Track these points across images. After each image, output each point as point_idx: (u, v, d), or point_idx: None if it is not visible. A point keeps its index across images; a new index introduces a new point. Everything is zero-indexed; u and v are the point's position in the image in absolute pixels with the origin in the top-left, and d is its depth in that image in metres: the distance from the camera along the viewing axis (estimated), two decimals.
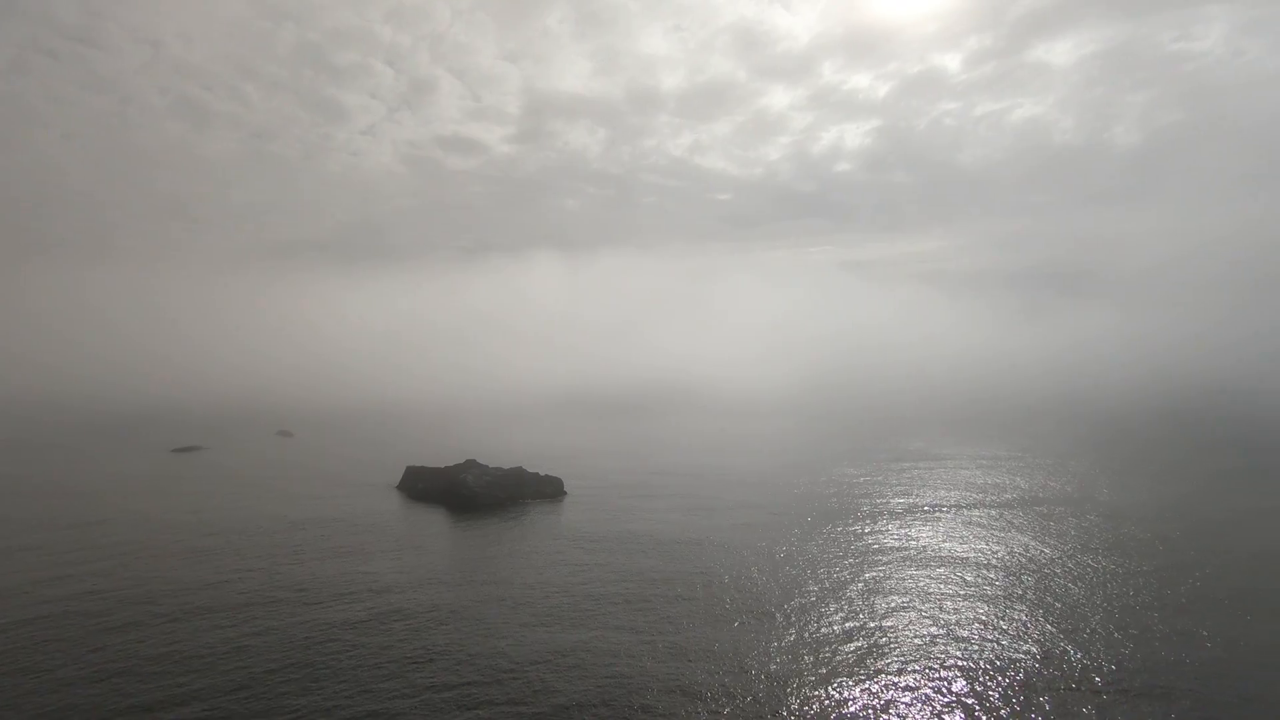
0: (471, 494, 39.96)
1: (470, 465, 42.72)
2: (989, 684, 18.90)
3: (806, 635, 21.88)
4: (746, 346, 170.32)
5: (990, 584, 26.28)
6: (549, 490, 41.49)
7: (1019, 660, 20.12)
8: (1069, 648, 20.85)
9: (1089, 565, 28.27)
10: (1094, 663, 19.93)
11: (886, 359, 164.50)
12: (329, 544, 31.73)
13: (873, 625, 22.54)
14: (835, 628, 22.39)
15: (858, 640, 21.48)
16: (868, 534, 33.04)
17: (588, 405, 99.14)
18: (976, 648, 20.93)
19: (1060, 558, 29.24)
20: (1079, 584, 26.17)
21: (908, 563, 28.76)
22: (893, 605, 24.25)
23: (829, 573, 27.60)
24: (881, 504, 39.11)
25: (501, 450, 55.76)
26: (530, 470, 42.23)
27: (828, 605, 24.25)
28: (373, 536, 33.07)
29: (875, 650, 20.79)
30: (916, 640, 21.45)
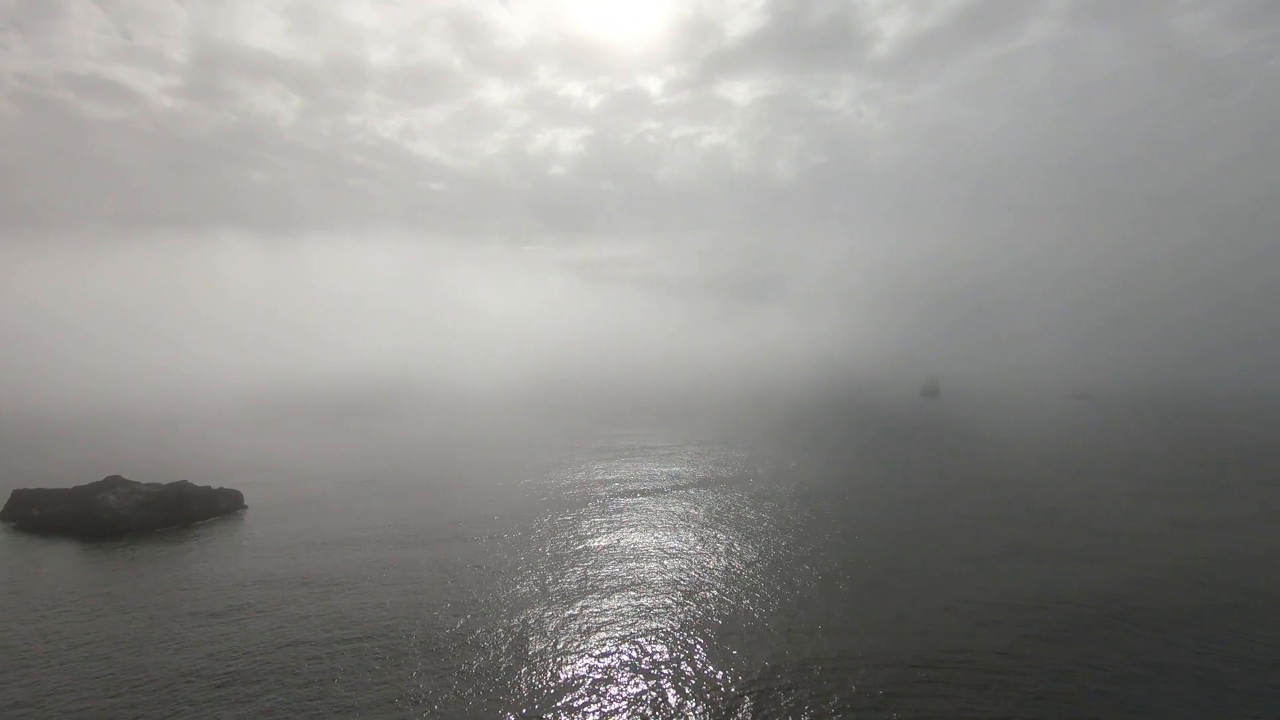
0: (114, 518, 31.94)
1: (114, 482, 34.26)
2: (700, 667, 20.03)
3: (521, 665, 21.15)
4: (470, 341, 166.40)
5: (698, 566, 28.31)
6: (225, 506, 34.93)
7: (723, 634, 21.79)
8: (771, 619, 23.18)
9: (783, 538, 32.13)
10: (791, 629, 22.37)
11: (604, 355, 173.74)
12: None
13: (585, 631, 22.62)
14: (550, 643, 22.00)
15: (572, 654, 21.33)
16: (585, 531, 33.62)
17: (290, 406, 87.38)
18: (684, 633, 22.15)
19: (763, 531, 32.85)
20: (775, 555, 29.55)
21: (623, 557, 29.76)
22: (606, 607, 24.65)
23: (543, 582, 27.26)
24: (598, 496, 40.37)
25: (166, 463, 46.11)
26: (199, 484, 35.17)
27: (543, 621, 23.82)
28: None
29: (588, 664, 20.83)
30: (625, 639, 22.00)
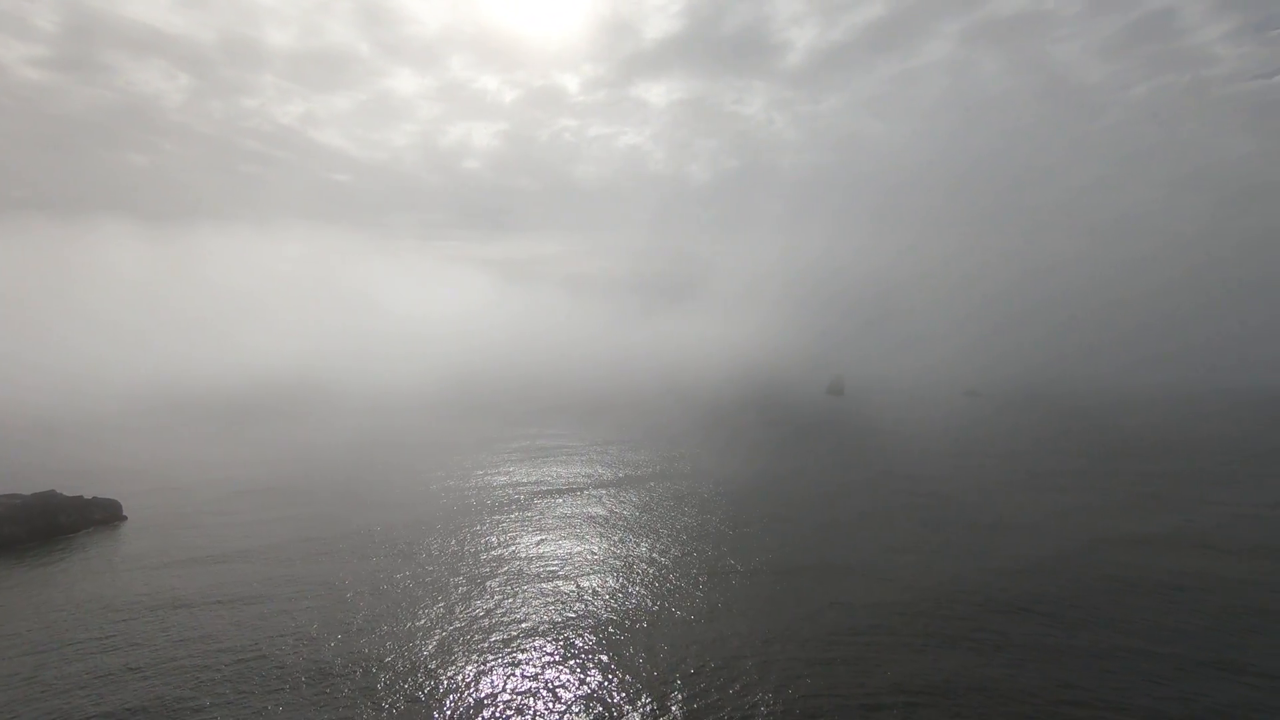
0: None
1: None
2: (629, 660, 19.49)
3: (441, 680, 20.04)
4: (384, 340, 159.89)
5: (622, 566, 27.78)
6: (99, 517, 31.58)
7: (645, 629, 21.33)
8: (696, 610, 22.89)
9: (702, 535, 32.02)
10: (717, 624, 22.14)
11: (526, 354, 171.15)
12: None
13: (509, 639, 21.69)
14: (471, 655, 20.96)
15: (495, 663, 20.38)
16: (505, 535, 32.43)
17: (182, 409, 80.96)
18: (609, 633, 21.54)
19: (683, 529, 32.58)
20: (695, 552, 29.35)
21: (545, 560, 28.73)
22: (528, 613, 23.70)
23: (462, 591, 26.03)
24: (520, 498, 39.29)
25: (35, 470, 41.58)
26: (70, 494, 31.70)
27: (462, 633, 22.70)
28: None
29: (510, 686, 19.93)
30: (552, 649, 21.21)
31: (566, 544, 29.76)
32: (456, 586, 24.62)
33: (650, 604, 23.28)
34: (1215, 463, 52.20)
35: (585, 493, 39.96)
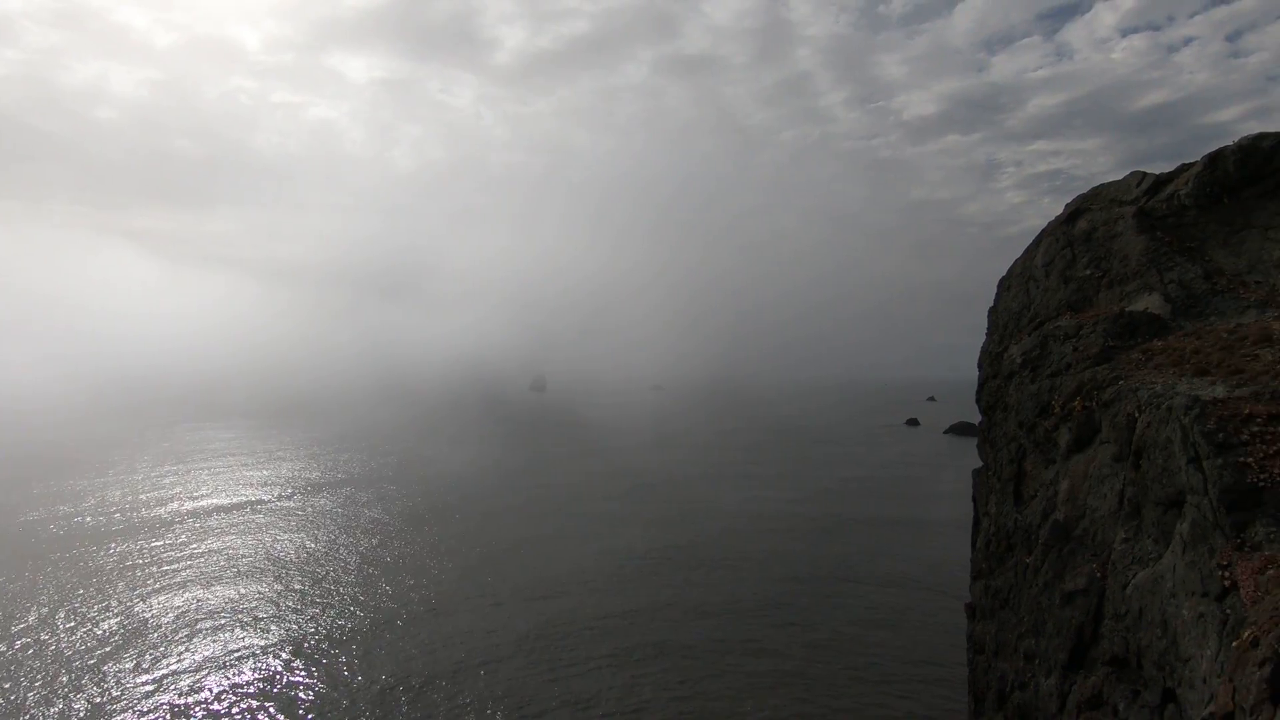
0: None
1: None
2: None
3: None
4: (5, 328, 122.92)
5: (327, 577, 23.36)
6: None
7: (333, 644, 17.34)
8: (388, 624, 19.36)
9: (395, 550, 28.58)
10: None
11: (204, 346, 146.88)
12: None
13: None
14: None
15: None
16: (172, 564, 25.49)
17: None
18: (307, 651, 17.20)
19: (369, 549, 28.77)
20: (383, 567, 25.78)
21: (221, 594, 22.91)
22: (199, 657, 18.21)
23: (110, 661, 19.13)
24: (186, 516, 31.73)
25: None
26: None
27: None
28: None
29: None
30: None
31: (212, 585, 23.83)
32: (50, 668, 17.64)
33: (319, 648, 19.23)
34: (839, 446, 64.30)
35: (253, 511, 34.09)
